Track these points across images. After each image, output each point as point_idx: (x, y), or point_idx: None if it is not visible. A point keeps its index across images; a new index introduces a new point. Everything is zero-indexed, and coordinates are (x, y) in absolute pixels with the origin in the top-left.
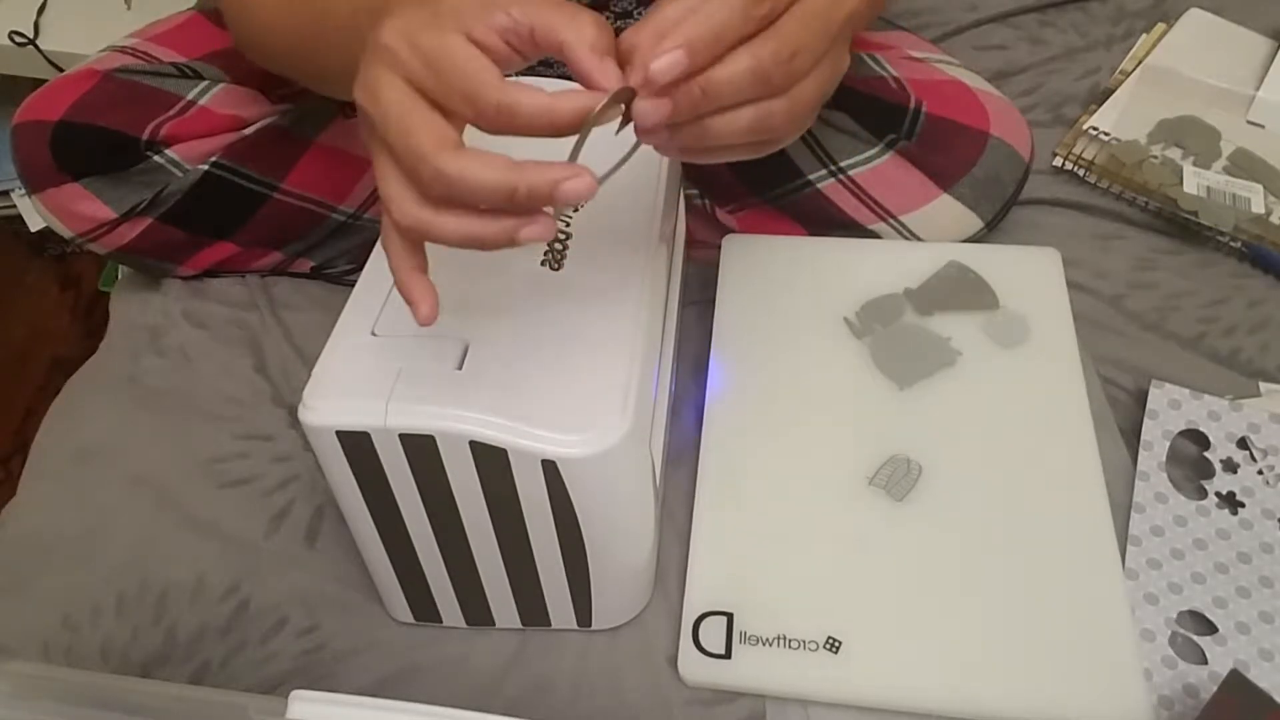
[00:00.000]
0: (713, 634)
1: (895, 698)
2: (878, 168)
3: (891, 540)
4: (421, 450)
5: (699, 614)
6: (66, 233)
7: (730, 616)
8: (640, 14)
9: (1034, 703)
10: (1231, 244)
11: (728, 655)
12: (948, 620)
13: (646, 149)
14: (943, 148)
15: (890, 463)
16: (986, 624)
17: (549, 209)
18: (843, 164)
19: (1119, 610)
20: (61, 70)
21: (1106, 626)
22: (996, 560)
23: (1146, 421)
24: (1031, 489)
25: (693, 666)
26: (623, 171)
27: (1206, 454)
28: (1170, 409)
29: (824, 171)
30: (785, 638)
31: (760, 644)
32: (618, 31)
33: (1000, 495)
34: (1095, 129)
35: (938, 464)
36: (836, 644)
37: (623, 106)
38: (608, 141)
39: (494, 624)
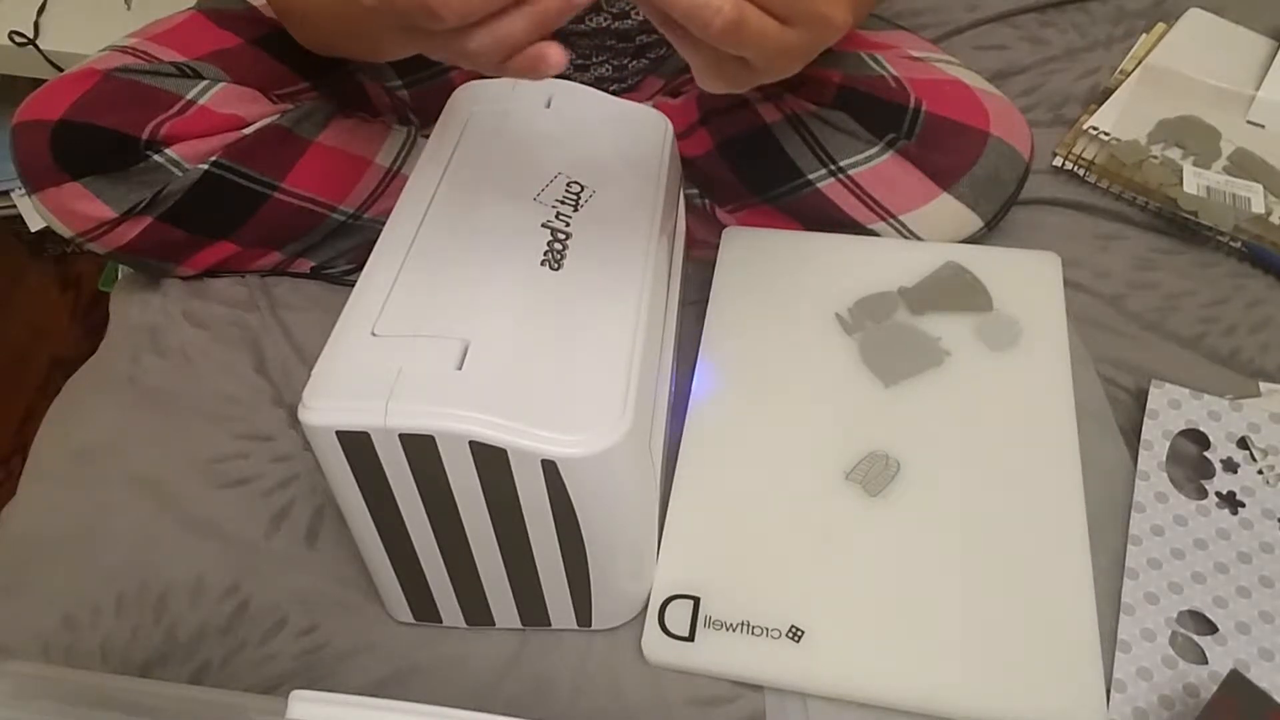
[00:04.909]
0: (678, 616)
1: (853, 690)
2: (878, 167)
3: (863, 535)
4: (421, 450)
5: (666, 596)
6: (66, 232)
7: (697, 600)
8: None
9: (993, 700)
10: (1231, 244)
11: (691, 638)
12: (910, 616)
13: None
14: (943, 147)
15: (869, 458)
16: (949, 622)
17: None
18: (843, 163)
19: (1083, 614)
20: (61, 70)
21: (1069, 629)
22: (965, 559)
23: (1146, 421)
24: (1006, 491)
25: (656, 647)
26: (623, 174)
27: (1206, 454)
28: (1170, 409)
29: (824, 171)
30: (749, 624)
31: (724, 629)
32: (620, 32)
33: (975, 495)
34: (1095, 129)
35: (916, 462)
36: (799, 633)
37: None
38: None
39: (494, 624)
